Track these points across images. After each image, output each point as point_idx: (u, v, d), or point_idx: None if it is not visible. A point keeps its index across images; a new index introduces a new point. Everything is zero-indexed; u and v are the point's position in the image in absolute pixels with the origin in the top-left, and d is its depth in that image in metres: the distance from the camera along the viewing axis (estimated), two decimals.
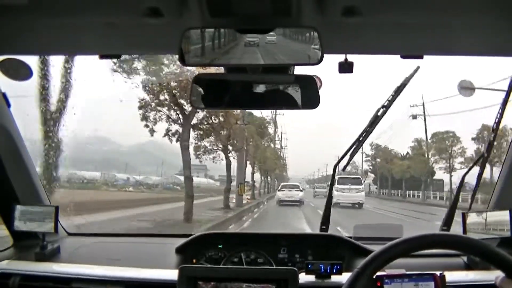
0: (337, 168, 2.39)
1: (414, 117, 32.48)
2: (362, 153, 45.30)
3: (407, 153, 37.06)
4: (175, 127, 12.48)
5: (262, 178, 34.19)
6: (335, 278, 1.70)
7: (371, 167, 44.31)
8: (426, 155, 30.72)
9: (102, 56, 1.74)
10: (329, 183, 2.50)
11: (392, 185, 39.02)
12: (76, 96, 8.74)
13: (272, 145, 33.90)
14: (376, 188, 45.50)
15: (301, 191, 25.84)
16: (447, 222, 2.14)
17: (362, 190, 24.58)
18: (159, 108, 11.95)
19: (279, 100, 1.71)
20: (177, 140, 12.47)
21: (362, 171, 44.54)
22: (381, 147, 39.74)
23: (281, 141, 45.06)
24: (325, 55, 1.38)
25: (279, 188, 26.65)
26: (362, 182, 26.07)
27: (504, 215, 1.81)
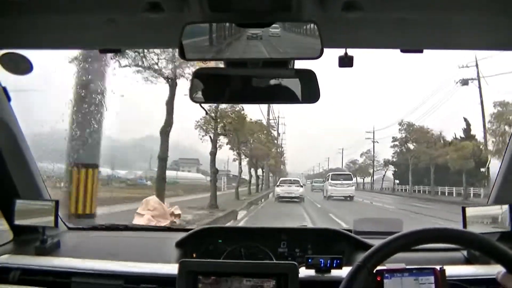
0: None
1: (465, 82, 23.28)
2: (373, 141, 40.06)
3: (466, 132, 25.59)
4: None
5: (249, 169, 26.81)
6: (335, 273, 1.70)
7: (396, 155, 32.70)
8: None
9: (102, 51, 1.74)
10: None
11: (435, 179, 27.85)
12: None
13: (262, 118, 26.21)
14: (398, 184, 35.47)
15: (301, 186, 25.53)
16: None
17: (352, 185, 26.13)
18: None
19: (279, 94, 1.71)
20: None
21: (374, 162, 37.18)
22: (415, 127, 28.40)
23: (278, 125, 35.69)
24: (325, 49, 1.38)
25: (278, 183, 26.20)
26: (352, 178, 26.93)
27: (504, 209, 1.82)
